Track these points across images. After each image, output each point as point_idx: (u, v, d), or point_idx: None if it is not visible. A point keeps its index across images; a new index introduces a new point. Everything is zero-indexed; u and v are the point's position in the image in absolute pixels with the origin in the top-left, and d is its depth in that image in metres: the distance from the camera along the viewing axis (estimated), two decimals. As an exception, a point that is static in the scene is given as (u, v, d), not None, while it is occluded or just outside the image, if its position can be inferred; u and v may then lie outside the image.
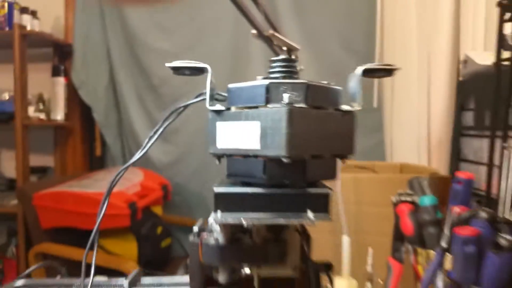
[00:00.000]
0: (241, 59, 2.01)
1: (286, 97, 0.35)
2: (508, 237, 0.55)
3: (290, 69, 0.40)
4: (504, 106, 0.93)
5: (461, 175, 0.75)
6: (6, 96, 1.95)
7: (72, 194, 1.57)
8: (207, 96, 0.40)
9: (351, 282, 0.56)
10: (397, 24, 1.78)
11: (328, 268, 0.44)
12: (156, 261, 1.72)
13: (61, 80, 2.06)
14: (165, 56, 2.08)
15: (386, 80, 1.82)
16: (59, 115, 2.05)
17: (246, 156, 0.37)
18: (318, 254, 0.60)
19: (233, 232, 0.39)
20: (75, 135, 2.16)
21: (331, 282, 0.44)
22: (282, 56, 0.41)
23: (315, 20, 1.95)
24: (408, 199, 0.83)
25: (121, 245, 1.65)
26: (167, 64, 0.42)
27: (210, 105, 0.40)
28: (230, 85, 0.40)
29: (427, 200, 0.78)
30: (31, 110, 1.99)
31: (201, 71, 0.41)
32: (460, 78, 1.27)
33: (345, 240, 0.54)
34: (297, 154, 0.35)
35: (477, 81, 1.12)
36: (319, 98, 0.38)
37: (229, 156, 0.40)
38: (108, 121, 2.17)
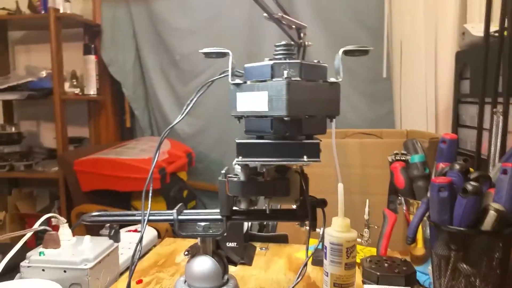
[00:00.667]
0: (256, 34, 2.12)
1: (285, 73, 0.49)
2: (473, 183, 0.68)
3: (289, 52, 0.53)
4: (494, 75, 1.04)
5: (446, 136, 0.88)
6: (43, 73, 2.13)
7: (109, 160, 1.75)
8: (229, 73, 0.54)
9: (345, 220, 0.70)
10: (405, -3, 1.85)
11: (323, 203, 0.59)
12: (183, 221, 1.90)
13: (92, 58, 2.22)
14: (186, 34, 2.22)
15: (395, 51, 1.90)
16: (91, 90, 2.22)
17: (258, 116, 0.52)
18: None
19: (250, 172, 0.54)
20: (106, 108, 2.34)
21: (324, 215, 0.58)
22: (283, 42, 0.54)
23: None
24: (402, 158, 0.96)
25: (152, 205, 1.82)
26: (200, 51, 0.56)
27: (232, 80, 0.54)
28: (246, 65, 0.54)
29: (417, 158, 0.91)
30: (66, 86, 2.17)
31: (224, 54, 0.54)
32: (459, 49, 1.36)
33: (340, 186, 0.68)
34: (294, 114, 0.49)
35: (472, 51, 1.22)
36: (311, 73, 0.51)
37: (246, 117, 0.54)
38: (136, 95, 2.34)
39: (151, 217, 0.57)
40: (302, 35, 0.72)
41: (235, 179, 0.53)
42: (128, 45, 2.31)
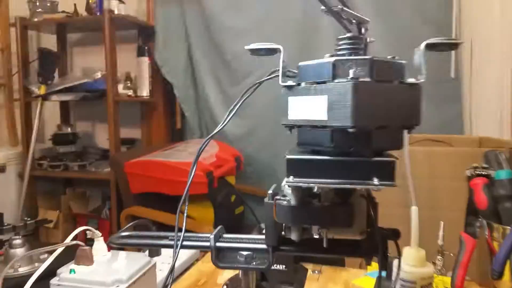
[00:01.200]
0: (310, 34, 2.02)
1: (351, 72, 0.39)
2: None
3: (355, 46, 0.43)
4: None
5: (542, 149, 0.72)
6: (98, 75, 2.15)
7: (158, 162, 1.72)
8: (280, 74, 0.44)
9: (419, 251, 0.58)
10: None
11: (395, 234, 0.47)
12: (230, 226, 1.83)
13: (145, 60, 2.22)
14: (237, 33, 2.16)
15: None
16: (144, 92, 2.22)
17: (315, 126, 0.41)
18: (387, 225, 0.62)
19: (303, 195, 0.44)
20: (158, 110, 2.33)
21: (397, 248, 0.47)
22: (348, 34, 0.44)
23: (388, -10, 1.89)
24: (484, 172, 0.82)
25: (200, 210, 1.78)
26: (246, 47, 0.47)
27: (282, 82, 0.44)
28: (301, 63, 0.44)
29: (503, 174, 0.76)
30: (120, 88, 2.19)
31: (274, 51, 0.45)
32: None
33: (414, 210, 0.56)
34: (362, 125, 0.38)
35: None
36: (384, 72, 0.40)
37: (299, 126, 0.44)
38: (186, 97, 2.31)
39: (185, 243, 0.48)
40: (363, 30, 0.61)
41: (285, 202, 0.44)
42: (180, 46, 2.29)
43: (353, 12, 0.56)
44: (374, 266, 0.86)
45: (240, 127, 2.21)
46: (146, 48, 2.26)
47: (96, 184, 2.34)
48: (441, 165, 1.17)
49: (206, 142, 0.52)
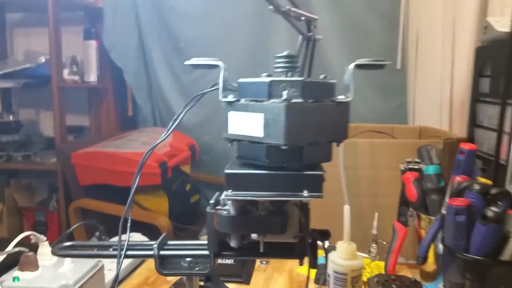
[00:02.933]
0: (266, 19, 2.01)
1: (284, 93, 0.41)
2: (494, 209, 0.60)
3: (291, 65, 0.45)
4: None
5: (464, 146, 0.80)
6: (42, 59, 2.05)
7: (108, 153, 1.69)
8: (220, 89, 0.46)
9: (351, 245, 0.63)
10: (423, -15, 1.74)
11: (324, 235, 0.51)
12: (185, 215, 1.85)
13: (92, 43, 2.13)
14: (191, 19, 2.12)
15: (411, 41, 1.80)
16: (92, 77, 2.15)
17: (252, 142, 0.44)
18: (327, 217, 0.67)
19: (242, 205, 0.47)
20: (108, 96, 2.26)
21: (324, 248, 0.51)
22: (284, 53, 0.46)
23: (340, -18, 1.92)
24: (416, 167, 0.89)
25: (154, 201, 1.78)
26: (186, 62, 0.48)
27: (222, 97, 0.46)
28: (240, 80, 0.46)
29: (431, 169, 0.83)
30: (65, 73, 2.09)
31: (215, 66, 0.47)
32: (479, 44, 1.26)
33: (346, 209, 0.61)
34: (294, 142, 0.42)
35: (494, 47, 1.12)
36: (315, 92, 0.43)
37: (238, 140, 0.46)
38: (138, 83, 2.25)
39: (128, 252, 0.50)
40: (312, 27, 0.64)
41: (225, 212, 0.46)
42: (130, 29, 2.21)
43: (300, 11, 0.59)
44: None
45: (196, 115, 2.19)
46: (93, 30, 2.17)
47: (42, 175, 2.25)
48: (382, 156, 1.24)
49: (150, 152, 0.53)
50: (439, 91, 1.72)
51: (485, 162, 1.10)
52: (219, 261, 0.80)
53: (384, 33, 1.91)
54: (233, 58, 1.94)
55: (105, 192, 1.71)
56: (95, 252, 0.52)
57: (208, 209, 0.48)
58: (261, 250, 0.47)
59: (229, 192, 0.44)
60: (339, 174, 1.27)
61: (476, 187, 0.66)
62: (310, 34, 0.61)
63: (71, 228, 0.60)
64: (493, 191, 0.71)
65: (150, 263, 0.92)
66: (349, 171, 1.29)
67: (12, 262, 0.66)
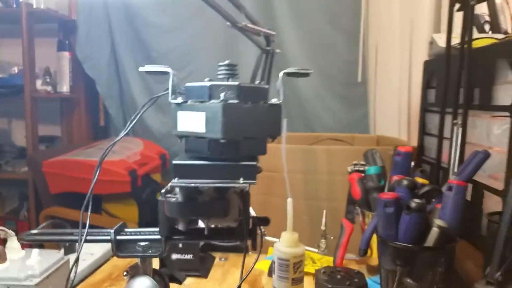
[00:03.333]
0: (234, 34, 2.10)
1: (222, 95, 0.49)
2: (417, 200, 0.69)
3: (231, 72, 0.53)
4: (456, 87, 1.05)
5: (401, 149, 0.89)
6: (15, 69, 2.08)
7: (78, 162, 1.73)
8: (170, 92, 0.53)
9: (293, 234, 0.70)
10: (382, 2, 1.87)
11: (264, 221, 0.59)
12: (155, 223, 1.88)
13: (66, 55, 2.18)
14: (164, 30, 2.20)
15: (370, 55, 1.92)
16: (64, 88, 2.19)
17: (197, 137, 0.51)
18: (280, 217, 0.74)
19: (188, 192, 0.53)
20: (80, 106, 2.30)
21: (262, 234, 0.58)
22: (225, 62, 0.54)
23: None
24: (361, 168, 0.97)
25: (124, 209, 1.82)
26: (140, 69, 0.55)
27: (172, 99, 0.53)
28: (187, 84, 0.53)
29: (372, 169, 0.92)
30: (38, 83, 2.13)
31: (165, 73, 0.54)
32: (427, 58, 1.37)
33: (289, 201, 0.68)
34: (230, 137, 0.49)
35: (438, 61, 1.23)
36: (250, 95, 0.51)
37: (186, 136, 0.53)
38: (110, 93, 2.30)
39: (88, 237, 0.56)
40: (271, 42, 0.71)
41: (173, 199, 0.53)
42: (103, 41, 2.27)
43: (256, 27, 0.66)
44: (271, 250, 0.99)
45: (166, 124, 2.25)
46: (67, 42, 2.22)
47: (12, 184, 2.25)
48: (338, 162, 1.32)
49: (107, 151, 0.59)
50: (397, 102, 1.84)
51: (433, 167, 1.20)
52: (179, 256, 0.86)
53: (346, 48, 2.03)
54: (204, 69, 2.01)
55: (76, 200, 1.74)
56: (58, 237, 0.58)
57: (159, 198, 0.55)
58: (206, 233, 0.54)
59: (176, 180, 0.51)
60: (297, 177, 1.35)
61: (405, 182, 0.75)
62: (269, 48, 0.70)
63: (40, 226, 0.65)
64: (425, 188, 0.81)
65: (114, 261, 0.97)
66: (309, 176, 1.38)
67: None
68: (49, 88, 2.17)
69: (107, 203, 1.80)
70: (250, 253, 0.65)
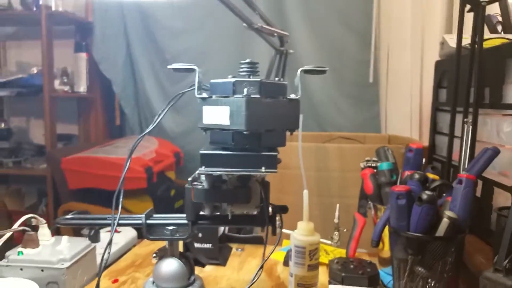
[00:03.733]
0: (248, 33, 2.14)
1: (245, 90, 0.53)
2: (428, 192, 0.72)
3: (252, 69, 0.57)
4: (466, 86, 1.08)
5: (412, 145, 0.92)
6: (34, 70, 2.15)
7: (96, 158, 1.78)
8: (196, 88, 0.57)
9: (309, 224, 0.74)
10: (393, 2, 1.89)
11: (283, 209, 0.63)
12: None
13: (83, 56, 2.24)
14: (177, 33, 2.25)
15: (382, 56, 1.95)
16: (81, 88, 2.25)
17: (221, 129, 0.55)
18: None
19: (214, 180, 0.57)
20: (96, 106, 2.36)
21: (281, 220, 0.62)
22: (247, 60, 0.58)
23: (316, 0, 2.07)
24: (373, 164, 1.01)
25: (139, 205, 1.86)
26: (169, 66, 0.59)
27: (198, 94, 0.57)
28: (212, 81, 0.58)
29: (385, 165, 0.95)
30: (56, 83, 2.19)
31: (192, 70, 0.58)
32: (438, 59, 1.40)
33: (305, 193, 0.72)
34: (253, 129, 0.53)
35: (449, 61, 1.26)
36: (270, 91, 0.55)
37: (211, 129, 0.57)
38: (126, 93, 2.36)
39: (120, 221, 0.60)
40: (284, 42, 0.75)
41: (200, 186, 0.57)
42: (119, 43, 2.33)
43: (272, 28, 0.70)
44: (286, 243, 1.02)
45: (180, 125, 2.30)
46: (84, 44, 2.28)
47: (31, 180, 2.32)
48: (350, 160, 1.36)
49: (138, 141, 0.64)
50: (409, 102, 1.86)
51: (444, 165, 1.23)
52: (200, 245, 0.90)
53: (358, 49, 2.06)
54: (217, 70, 2.06)
55: (93, 195, 1.80)
56: (92, 221, 0.62)
57: (186, 185, 0.59)
58: (229, 218, 0.58)
59: (203, 168, 0.55)
60: (310, 174, 1.38)
61: (416, 176, 0.78)
62: (283, 48, 0.73)
63: (70, 213, 0.69)
64: (436, 182, 0.84)
65: (137, 249, 1.01)
66: (322, 173, 1.42)
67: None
68: (66, 88, 2.24)
69: (123, 199, 1.84)
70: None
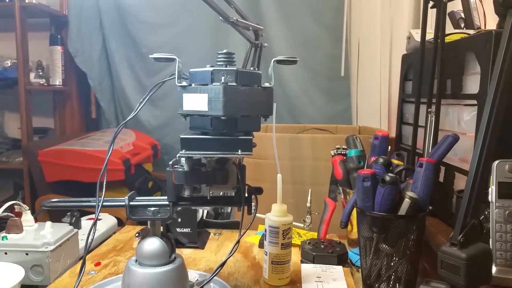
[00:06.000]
0: (223, 27, 2.18)
1: (222, 78, 0.57)
2: (391, 174, 0.79)
3: (229, 59, 0.61)
4: (430, 78, 1.15)
5: (378, 133, 0.99)
6: (8, 63, 2.12)
7: (73, 151, 1.79)
8: (176, 77, 0.61)
9: (282, 206, 0.79)
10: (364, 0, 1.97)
11: (258, 190, 0.67)
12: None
13: (58, 49, 2.23)
14: (152, 27, 2.27)
15: (353, 50, 2.02)
16: (57, 81, 2.23)
17: (200, 115, 0.60)
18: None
19: (193, 163, 0.62)
20: (72, 99, 2.35)
21: (256, 200, 0.66)
22: (224, 51, 0.62)
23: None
24: (342, 152, 1.07)
25: (116, 196, 1.88)
26: (151, 56, 0.63)
27: (178, 83, 0.61)
28: (191, 70, 0.62)
29: (353, 152, 1.01)
30: (31, 76, 2.17)
31: (172, 60, 0.62)
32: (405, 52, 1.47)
33: (279, 177, 0.77)
34: (230, 114, 0.58)
35: (415, 55, 1.33)
36: (246, 79, 0.59)
37: (190, 115, 0.62)
38: (102, 86, 2.36)
39: (105, 203, 0.64)
40: (259, 36, 0.80)
41: (180, 169, 0.61)
42: (94, 36, 2.33)
43: (247, 22, 0.75)
44: (261, 227, 1.08)
45: (157, 117, 2.32)
46: (59, 36, 2.26)
47: (7, 174, 2.29)
48: (322, 149, 1.42)
49: (119, 130, 0.67)
50: (378, 94, 1.94)
51: (409, 153, 1.30)
52: (179, 230, 0.94)
53: (329, 44, 2.13)
54: (192, 63, 2.07)
55: (70, 187, 1.81)
56: (77, 203, 0.65)
57: (168, 168, 0.63)
58: (208, 198, 0.62)
59: (183, 151, 0.59)
60: (284, 163, 1.44)
61: (381, 160, 0.84)
62: (257, 42, 0.78)
63: (37, 212, 0.72)
64: (400, 167, 0.91)
65: (118, 235, 1.05)
66: (295, 162, 1.47)
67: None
68: (42, 81, 2.22)
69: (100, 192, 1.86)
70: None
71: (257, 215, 0.81)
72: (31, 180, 1.98)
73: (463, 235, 0.72)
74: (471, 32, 1.27)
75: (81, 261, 0.86)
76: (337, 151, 1.07)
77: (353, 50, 2.02)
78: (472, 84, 0.96)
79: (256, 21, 0.77)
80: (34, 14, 2.18)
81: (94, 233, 0.63)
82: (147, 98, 0.67)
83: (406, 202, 0.79)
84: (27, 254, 0.76)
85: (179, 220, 0.93)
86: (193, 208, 0.89)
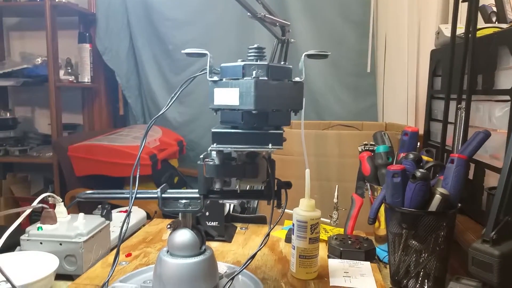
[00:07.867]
0: (248, 24, 2.18)
1: (254, 73, 0.58)
2: (422, 170, 0.78)
3: (260, 54, 0.62)
4: (460, 74, 1.13)
5: (408, 129, 0.97)
6: (39, 60, 2.19)
7: (103, 146, 1.83)
8: (208, 71, 0.62)
9: (310, 201, 0.79)
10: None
11: (287, 184, 0.68)
12: (173, 206, 1.99)
13: (86, 46, 2.28)
14: (178, 24, 2.29)
15: (380, 46, 1.99)
16: (86, 78, 2.29)
17: (231, 109, 0.60)
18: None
19: (224, 157, 0.63)
20: (100, 96, 2.41)
21: (286, 194, 0.67)
22: (255, 45, 0.62)
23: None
24: (370, 148, 1.06)
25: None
26: (183, 51, 0.64)
27: (209, 77, 0.62)
28: (222, 65, 0.62)
29: (381, 148, 1.00)
30: (61, 73, 2.23)
31: (204, 55, 0.63)
32: (434, 48, 1.44)
33: (307, 172, 0.77)
34: (261, 108, 0.58)
35: (445, 50, 1.30)
36: (277, 73, 0.60)
37: (221, 109, 0.62)
38: (129, 84, 2.40)
39: (138, 195, 0.66)
40: (286, 32, 0.80)
41: (211, 162, 0.62)
42: (122, 34, 2.37)
43: (275, 18, 0.75)
44: (287, 222, 1.08)
45: (183, 114, 2.35)
46: (87, 34, 2.32)
47: (38, 168, 2.38)
48: (348, 145, 1.41)
49: (151, 125, 0.68)
50: (405, 90, 1.91)
51: (438, 149, 1.28)
52: (208, 224, 0.96)
53: (356, 39, 2.11)
54: (218, 59, 2.09)
55: (99, 182, 1.85)
56: (112, 195, 0.67)
57: (199, 162, 0.64)
58: (238, 192, 0.63)
59: (214, 145, 0.60)
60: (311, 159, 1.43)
61: (411, 156, 0.83)
62: (284, 37, 0.78)
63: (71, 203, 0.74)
64: (430, 163, 0.90)
65: (147, 228, 1.07)
66: (321, 159, 1.47)
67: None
68: (71, 78, 2.28)
69: (128, 186, 1.90)
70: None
71: (285, 211, 0.81)
72: (60, 174, 2.04)
73: (495, 232, 0.71)
74: (504, 26, 1.24)
75: (112, 251, 0.89)
76: (364, 147, 1.06)
77: (379, 45, 1.99)
78: (505, 79, 0.94)
79: (281, 16, 0.77)
80: (63, 12, 2.24)
81: (128, 223, 0.64)
82: (179, 92, 0.68)
83: (437, 198, 0.77)
84: (61, 244, 0.78)
85: (207, 213, 0.94)
86: (222, 201, 0.90)
